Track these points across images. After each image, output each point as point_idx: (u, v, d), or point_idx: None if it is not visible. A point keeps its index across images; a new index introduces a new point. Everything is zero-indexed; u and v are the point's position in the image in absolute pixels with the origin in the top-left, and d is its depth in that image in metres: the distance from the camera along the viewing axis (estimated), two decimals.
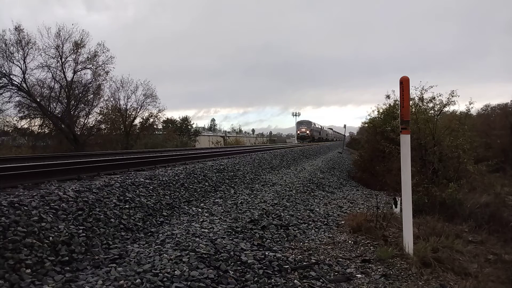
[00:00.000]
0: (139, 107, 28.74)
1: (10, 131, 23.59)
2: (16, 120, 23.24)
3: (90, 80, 25.47)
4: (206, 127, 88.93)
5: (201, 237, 4.05)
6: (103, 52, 25.16)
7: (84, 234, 3.62)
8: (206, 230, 4.38)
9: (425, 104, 10.22)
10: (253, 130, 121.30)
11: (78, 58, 24.45)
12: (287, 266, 3.56)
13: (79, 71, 24.70)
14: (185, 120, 45.13)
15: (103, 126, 27.53)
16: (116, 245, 3.76)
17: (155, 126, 31.30)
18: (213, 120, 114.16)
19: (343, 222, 5.72)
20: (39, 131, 24.18)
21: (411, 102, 8.83)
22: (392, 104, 14.83)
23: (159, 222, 4.77)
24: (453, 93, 9.58)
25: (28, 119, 23.68)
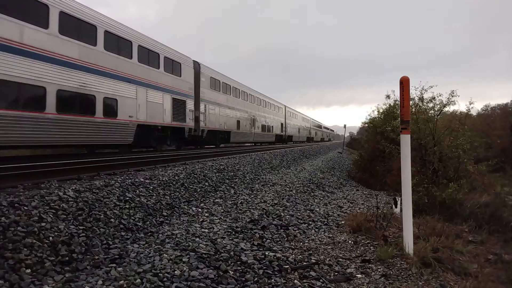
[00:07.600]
0: None
1: None
2: None
3: None
4: None
5: (201, 237, 4.06)
6: None
7: (84, 234, 3.63)
8: (206, 230, 4.39)
9: (425, 104, 10.24)
10: None
11: None
12: (287, 266, 3.56)
13: None
14: None
15: None
16: (116, 245, 3.76)
17: None
18: None
19: (343, 222, 5.71)
20: None
21: (411, 102, 8.84)
22: (392, 104, 14.86)
23: (159, 222, 4.77)
24: (453, 93, 9.59)
25: None
